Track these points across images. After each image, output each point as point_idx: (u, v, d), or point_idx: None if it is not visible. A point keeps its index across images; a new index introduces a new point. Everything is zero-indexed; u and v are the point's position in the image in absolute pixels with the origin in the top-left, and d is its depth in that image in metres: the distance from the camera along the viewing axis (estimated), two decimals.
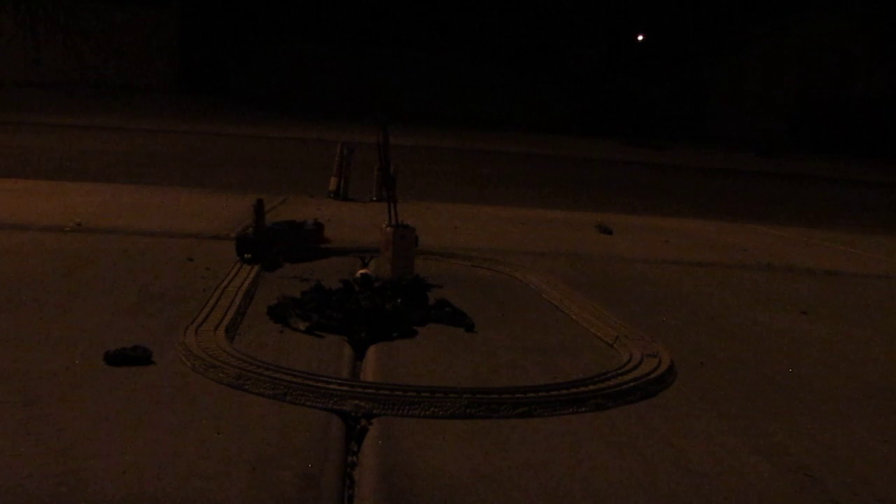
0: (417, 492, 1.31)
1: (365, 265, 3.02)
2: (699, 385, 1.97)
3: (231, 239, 3.48)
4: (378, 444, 1.48)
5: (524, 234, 4.29)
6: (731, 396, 1.91)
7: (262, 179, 7.01)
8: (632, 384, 1.85)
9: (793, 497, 1.41)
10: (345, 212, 4.67)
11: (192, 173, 7.20)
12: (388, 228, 2.78)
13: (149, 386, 1.68)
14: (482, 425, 1.61)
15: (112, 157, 8.16)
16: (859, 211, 8.75)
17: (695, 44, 24.52)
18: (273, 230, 3.16)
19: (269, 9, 22.95)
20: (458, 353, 2.06)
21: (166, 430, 1.47)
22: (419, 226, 2.92)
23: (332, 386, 1.67)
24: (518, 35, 24.29)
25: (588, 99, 25.18)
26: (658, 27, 25.00)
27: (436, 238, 3.74)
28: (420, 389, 1.69)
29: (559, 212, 5.46)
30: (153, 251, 3.09)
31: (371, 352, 2.03)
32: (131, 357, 1.79)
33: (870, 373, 2.22)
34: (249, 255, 2.93)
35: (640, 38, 25.97)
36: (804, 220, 6.48)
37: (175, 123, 13.42)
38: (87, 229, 3.45)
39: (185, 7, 21.63)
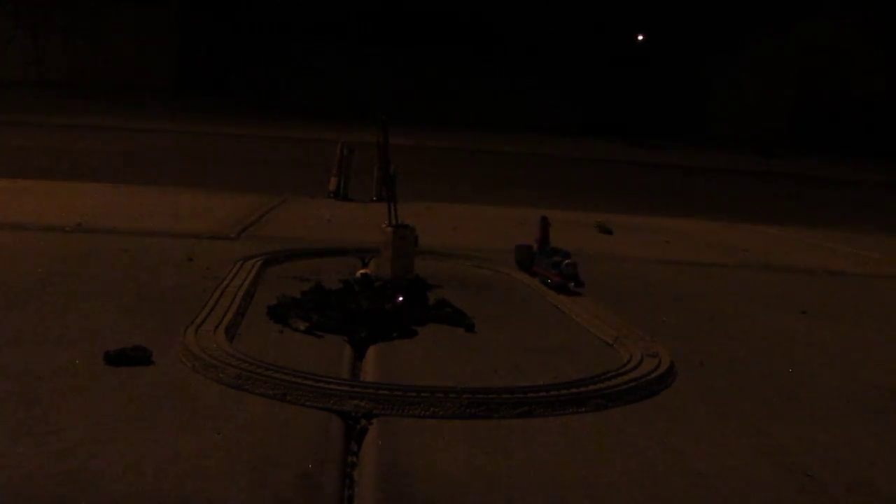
0: (417, 492, 1.31)
1: (365, 265, 3.02)
2: (699, 385, 1.97)
3: (230, 239, 3.48)
4: (378, 444, 1.48)
5: (524, 234, 4.28)
6: (731, 396, 1.91)
7: (262, 179, 7.01)
8: (632, 384, 1.85)
9: (793, 497, 1.41)
10: (345, 212, 4.67)
11: (192, 173, 7.20)
12: (388, 228, 2.78)
13: (149, 386, 1.68)
14: (482, 425, 1.61)
15: (112, 157, 8.16)
16: (859, 211, 8.74)
17: (695, 44, 24.51)
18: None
19: (269, 9, 22.95)
20: (458, 353, 2.06)
21: (166, 430, 1.47)
22: (419, 226, 2.92)
23: (332, 386, 1.67)
24: (518, 35, 24.29)
25: (588, 99, 25.17)
26: (658, 27, 25.00)
27: (436, 238, 3.74)
28: (420, 389, 1.69)
29: (559, 212, 5.44)
30: (153, 251, 3.09)
31: (371, 352, 2.02)
32: (131, 357, 1.79)
33: (870, 373, 2.22)
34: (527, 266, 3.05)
35: (640, 38, 25.96)
36: (804, 220, 6.48)
37: (174, 123, 13.40)
38: (87, 229, 3.45)
39: (184, 7, 21.60)
